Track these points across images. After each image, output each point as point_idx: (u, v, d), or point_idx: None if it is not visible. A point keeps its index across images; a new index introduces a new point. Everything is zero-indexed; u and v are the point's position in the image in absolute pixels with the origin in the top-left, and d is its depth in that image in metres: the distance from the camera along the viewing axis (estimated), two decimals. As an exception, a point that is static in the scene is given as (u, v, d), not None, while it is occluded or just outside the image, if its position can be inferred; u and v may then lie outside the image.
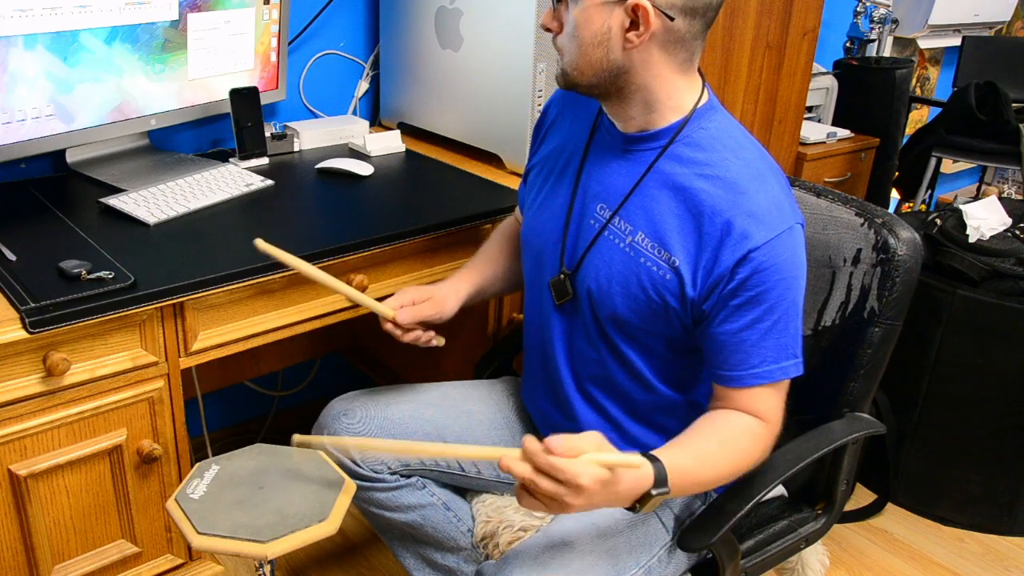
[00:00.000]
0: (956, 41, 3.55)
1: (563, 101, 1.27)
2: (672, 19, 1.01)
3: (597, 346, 1.17)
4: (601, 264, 1.13)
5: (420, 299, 1.26)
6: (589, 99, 1.17)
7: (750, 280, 1.03)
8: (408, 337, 1.25)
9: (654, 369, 1.17)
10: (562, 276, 1.17)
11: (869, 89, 2.79)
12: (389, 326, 1.24)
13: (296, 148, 1.83)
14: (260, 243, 1.13)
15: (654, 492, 0.94)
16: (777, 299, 1.04)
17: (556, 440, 0.90)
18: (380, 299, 1.25)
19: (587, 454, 0.90)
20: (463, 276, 1.34)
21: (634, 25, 1.01)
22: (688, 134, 1.09)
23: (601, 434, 0.94)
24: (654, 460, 0.96)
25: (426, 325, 1.27)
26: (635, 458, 0.93)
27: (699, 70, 1.11)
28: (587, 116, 1.20)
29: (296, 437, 1.12)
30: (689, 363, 1.15)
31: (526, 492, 0.92)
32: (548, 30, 1.10)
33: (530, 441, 0.91)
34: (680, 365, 1.16)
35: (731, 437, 1.07)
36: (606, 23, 1.02)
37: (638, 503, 0.95)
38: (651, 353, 1.16)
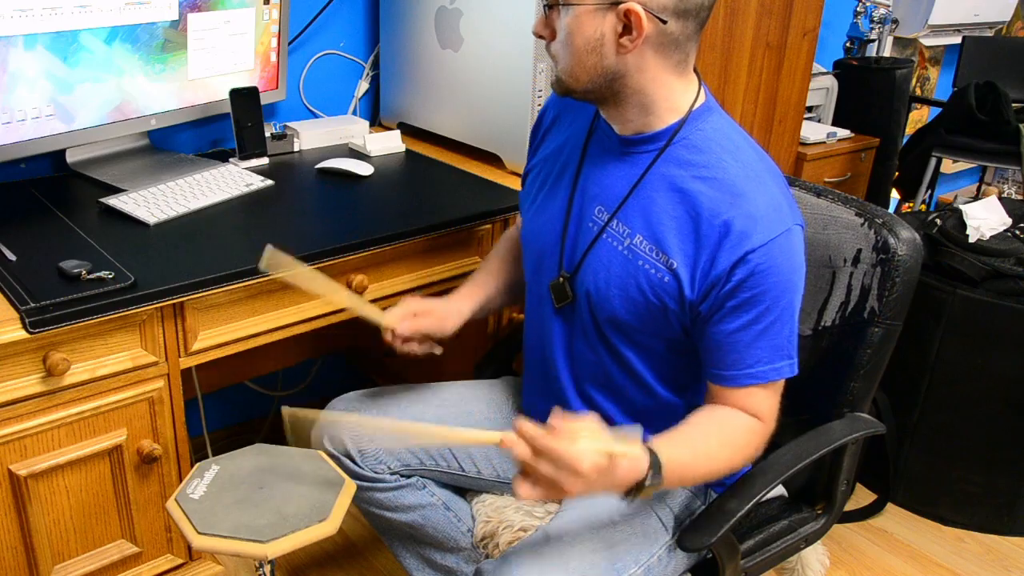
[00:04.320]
0: (956, 40, 3.55)
1: (560, 103, 1.27)
2: (664, 22, 1.00)
3: (596, 348, 1.17)
4: (600, 267, 1.13)
5: (422, 312, 1.25)
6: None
7: (747, 282, 1.03)
8: (404, 348, 1.25)
9: (654, 372, 1.17)
10: (561, 279, 1.17)
11: (869, 89, 2.79)
12: (389, 336, 1.24)
13: (296, 148, 1.83)
14: None
15: (648, 483, 0.94)
16: (773, 301, 1.04)
17: (557, 420, 0.91)
18: (379, 302, 1.24)
19: (585, 440, 0.90)
20: (467, 294, 1.33)
21: (627, 30, 1.01)
22: (685, 136, 1.09)
23: (598, 418, 0.94)
24: (650, 451, 0.96)
25: (424, 336, 1.26)
26: (632, 448, 0.94)
27: (696, 70, 1.11)
28: (584, 119, 1.20)
29: (286, 410, 1.09)
30: (688, 365, 1.15)
31: (524, 478, 0.93)
32: (540, 37, 1.09)
33: (526, 424, 0.91)
34: (680, 368, 1.16)
35: (727, 433, 1.08)
36: (598, 29, 1.02)
37: (633, 491, 0.96)
38: (651, 355, 1.16)
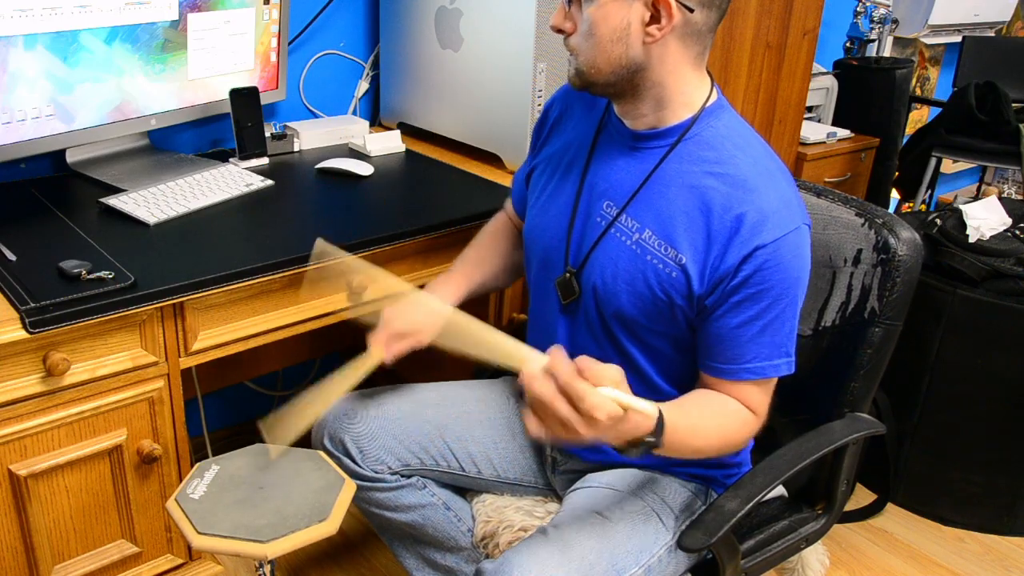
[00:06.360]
0: (956, 40, 3.55)
1: (565, 100, 1.27)
2: (691, 11, 1.02)
3: (602, 345, 1.17)
4: (607, 261, 1.13)
5: (405, 333, 1.23)
6: (594, 97, 1.17)
7: (753, 277, 1.03)
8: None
9: (659, 369, 1.17)
10: (567, 275, 1.17)
11: (869, 89, 2.79)
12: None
13: (296, 148, 1.83)
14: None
15: (649, 439, 0.94)
16: (777, 297, 1.04)
17: (584, 362, 0.88)
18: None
19: (606, 388, 0.88)
20: (448, 288, 1.31)
21: (654, 19, 1.02)
22: (697, 132, 1.09)
23: (621, 370, 0.91)
24: (659, 412, 0.96)
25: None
26: (649, 407, 0.93)
27: (708, 70, 1.11)
28: (593, 114, 1.20)
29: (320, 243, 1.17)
30: (694, 363, 1.15)
31: (535, 415, 0.90)
32: (560, 31, 1.09)
33: (560, 357, 0.88)
34: (685, 365, 1.16)
35: (724, 417, 1.09)
36: (625, 18, 1.02)
37: (630, 446, 0.95)
38: (656, 353, 1.15)
